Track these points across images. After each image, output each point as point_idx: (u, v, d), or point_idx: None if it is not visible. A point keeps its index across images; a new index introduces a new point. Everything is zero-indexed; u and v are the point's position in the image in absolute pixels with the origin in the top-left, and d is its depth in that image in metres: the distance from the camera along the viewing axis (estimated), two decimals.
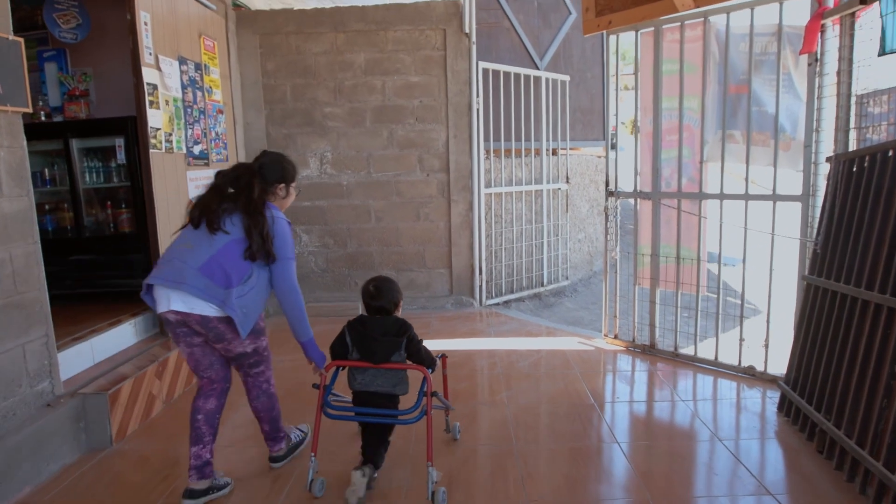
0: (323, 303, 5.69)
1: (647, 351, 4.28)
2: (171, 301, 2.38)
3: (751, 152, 3.58)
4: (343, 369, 2.69)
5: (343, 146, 5.56)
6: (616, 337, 4.51)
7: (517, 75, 5.83)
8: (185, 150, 4.31)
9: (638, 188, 4.19)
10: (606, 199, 4.41)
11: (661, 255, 4.14)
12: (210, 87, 4.77)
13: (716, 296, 3.88)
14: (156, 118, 3.89)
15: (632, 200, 4.28)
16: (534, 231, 6.17)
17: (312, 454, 2.55)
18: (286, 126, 5.55)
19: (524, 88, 5.88)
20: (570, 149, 6.64)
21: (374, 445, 2.56)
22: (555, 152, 6.50)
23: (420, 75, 5.46)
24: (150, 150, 3.84)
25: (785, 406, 3.20)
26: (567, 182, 6.54)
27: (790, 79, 3.46)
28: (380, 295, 2.59)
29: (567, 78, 6.42)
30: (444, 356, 2.97)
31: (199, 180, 4.52)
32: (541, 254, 6.29)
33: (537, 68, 6.41)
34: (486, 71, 5.55)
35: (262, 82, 5.49)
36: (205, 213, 2.46)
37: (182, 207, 4.27)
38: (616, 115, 4.42)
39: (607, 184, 4.45)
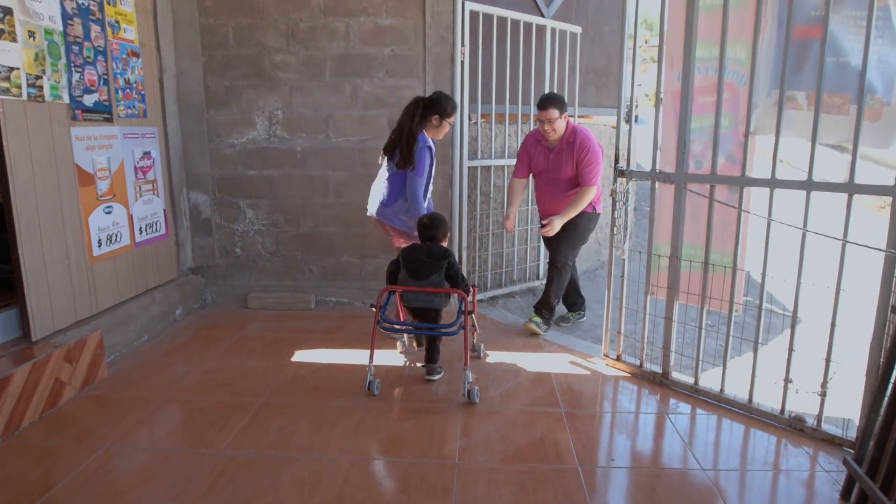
0: (270, 292, 4.75)
1: (658, 381, 3.29)
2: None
3: (821, 122, 2.51)
4: (395, 293, 3.33)
5: (297, 104, 4.55)
6: (619, 359, 3.52)
7: (515, 22, 4.74)
8: (67, 100, 3.32)
9: (657, 167, 3.15)
10: (615, 181, 3.37)
11: (684, 257, 3.11)
12: (117, 22, 3.76)
13: (756, 318, 2.86)
14: (9, 54, 2.90)
15: (648, 183, 3.24)
16: (529, 213, 5.15)
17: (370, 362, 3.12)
18: (228, 77, 4.54)
19: (524, 39, 4.79)
20: (580, 116, 5.55)
21: (430, 350, 3.35)
22: None
23: (393, 17, 4.40)
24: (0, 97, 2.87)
25: (854, 496, 2.20)
26: None
27: (887, 16, 2.37)
28: (433, 225, 3.25)
29: (579, 30, 5.30)
30: (474, 285, 3.53)
31: (94, 139, 3.55)
32: (538, 240, 5.27)
33: (542, 16, 5.29)
34: (474, 14, 4.47)
35: (198, 21, 4.47)
36: (388, 143, 3.75)
37: (64, 172, 3.31)
38: (633, 78, 3.36)
39: (616, 160, 3.40)
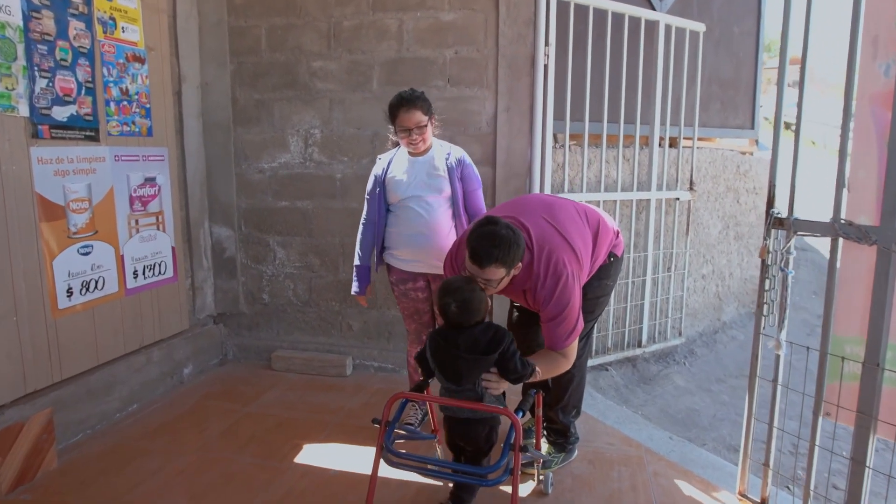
0: (300, 350, 3.87)
1: None
2: None
3: None
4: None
5: (338, 120, 3.68)
6: (764, 503, 2.30)
7: (618, 16, 3.67)
8: (24, 113, 2.60)
9: (842, 216, 1.97)
10: (767, 232, 2.19)
11: (890, 365, 1.89)
12: (112, 19, 3.04)
13: None
14: None
15: (824, 241, 2.05)
16: (632, 262, 3.99)
17: None
18: (259, 88, 3.75)
19: (629, 38, 3.70)
20: (699, 139, 4.36)
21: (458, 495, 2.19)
22: (673, 143, 4.26)
23: (457, 10, 3.45)
24: None
25: None
26: (691, 189, 4.27)
27: None
28: (467, 310, 2.01)
29: (702, 28, 4.14)
30: (538, 392, 2.31)
31: (68, 162, 2.81)
32: (641, 297, 4.09)
33: (653, 9, 4.17)
34: (563, 5, 3.44)
35: (227, 23, 3.72)
36: None
37: (16, 203, 2.58)
38: (804, 83, 2.20)
39: (770, 203, 2.22)
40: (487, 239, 2.00)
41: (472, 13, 3.43)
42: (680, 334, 4.36)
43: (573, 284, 2.15)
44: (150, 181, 3.34)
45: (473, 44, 3.45)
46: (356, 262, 2.89)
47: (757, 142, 5.40)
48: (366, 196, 2.87)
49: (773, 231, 2.18)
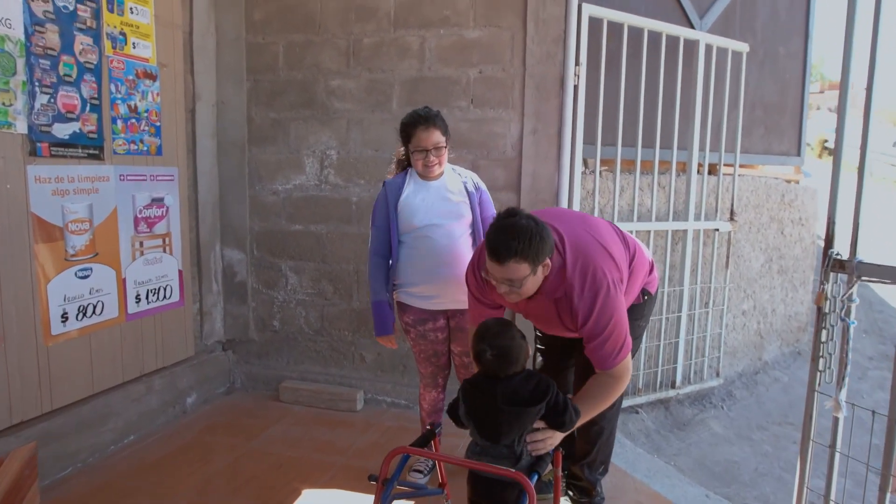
0: (309, 381, 3.67)
1: None
2: None
3: None
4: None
5: (355, 141, 3.51)
6: None
7: (655, 35, 3.44)
8: (23, 130, 2.48)
9: None
10: (825, 276, 1.92)
11: None
12: (122, 34, 2.93)
13: None
14: None
15: (890, 289, 1.78)
16: (667, 297, 3.71)
17: None
18: (275, 107, 3.61)
19: (666, 58, 3.47)
20: (741, 166, 4.08)
21: None
22: (713, 170, 3.98)
23: (482, 27, 3.27)
24: None
25: None
26: (731, 219, 3.98)
27: None
28: (505, 359, 1.77)
29: (745, 48, 3.88)
30: (558, 450, 1.91)
31: (68, 181, 2.69)
32: (675, 335, 3.80)
33: (692, 27, 3.93)
34: (596, 22, 3.23)
35: (245, 40, 3.60)
36: None
37: (11, 224, 2.46)
38: (843, 112, 1.94)
39: (829, 243, 1.94)
40: (506, 231, 1.78)
41: (498, 30, 3.24)
42: (718, 375, 4.04)
43: (616, 294, 1.89)
44: (157, 202, 3.20)
45: (499, 63, 3.26)
46: (374, 298, 2.54)
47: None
48: (373, 226, 2.55)
49: (831, 275, 1.90)
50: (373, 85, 3.43)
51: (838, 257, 1.89)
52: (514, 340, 1.79)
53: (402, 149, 2.55)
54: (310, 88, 3.53)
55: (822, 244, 2.00)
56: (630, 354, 1.96)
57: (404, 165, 2.59)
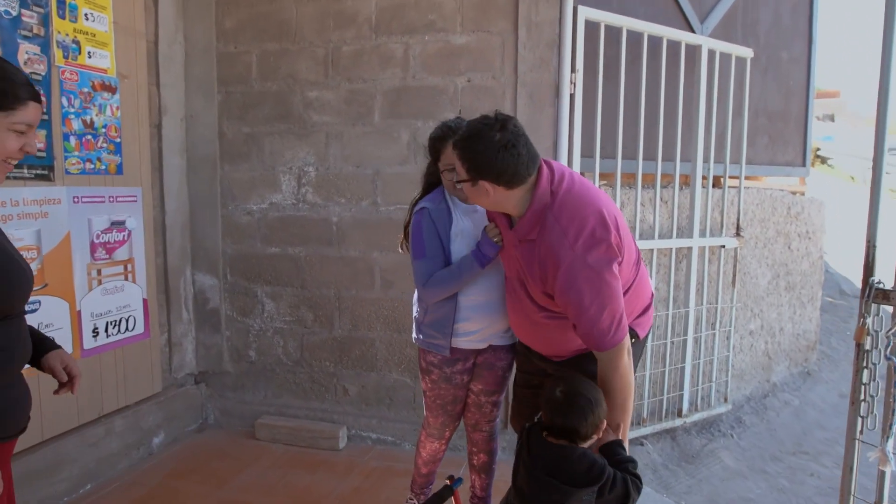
0: (288, 416, 3.39)
1: None
2: None
3: None
4: None
5: (335, 157, 3.25)
6: None
7: (655, 39, 3.22)
8: None
9: None
10: (866, 309, 1.67)
11: None
12: (76, 43, 2.67)
13: None
14: None
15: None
16: (671, 319, 3.46)
17: None
18: (248, 121, 3.35)
19: (667, 65, 3.24)
20: (746, 177, 3.85)
21: None
22: (717, 182, 3.76)
23: (470, 32, 3.03)
24: None
25: None
26: (738, 235, 3.75)
27: None
28: (571, 408, 1.58)
29: (749, 54, 3.67)
30: None
31: (11, 206, 2.41)
32: (681, 359, 3.55)
33: (692, 31, 3.71)
34: (592, 26, 3.00)
35: (215, 49, 3.34)
36: None
37: None
38: (883, 123, 1.68)
39: (869, 269, 1.69)
40: (470, 125, 1.75)
41: (487, 36, 3.00)
42: (726, 400, 3.79)
43: (613, 255, 1.66)
44: (117, 225, 2.93)
45: (489, 70, 3.02)
46: (469, 269, 2.01)
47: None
48: (422, 258, 2.06)
49: (873, 307, 1.66)
50: (353, 96, 3.18)
51: (881, 286, 1.65)
52: (593, 401, 1.59)
53: (431, 166, 2.18)
54: (285, 100, 3.27)
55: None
56: (628, 336, 1.71)
57: (431, 184, 2.21)
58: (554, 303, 1.76)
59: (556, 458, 1.56)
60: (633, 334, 1.91)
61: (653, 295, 2.04)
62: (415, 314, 2.24)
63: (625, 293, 1.80)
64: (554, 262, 1.65)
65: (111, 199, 2.89)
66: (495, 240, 1.94)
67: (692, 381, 3.60)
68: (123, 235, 2.97)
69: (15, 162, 1.34)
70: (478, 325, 2.11)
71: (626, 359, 1.69)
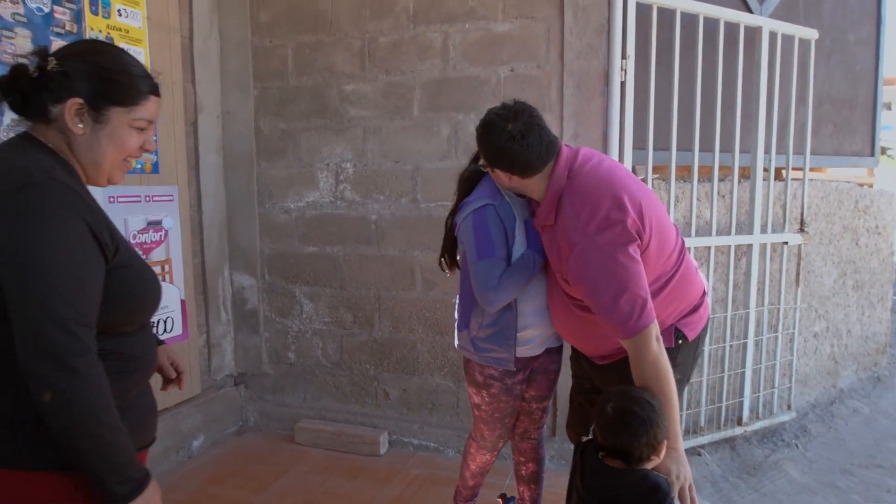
0: (328, 420, 3.30)
1: None
2: None
3: None
4: None
5: (373, 152, 3.15)
6: None
7: (711, 21, 3.00)
8: None
9: None
10: None
11: None
12: (110, 39, 2.62)
13: None
14: None
15: None
16: (729, 321, 3.24)
17: None
18: (284, 117, 3.27)
19: (724, 48, 3.02)
20: (810, 169, 3.59)
21: None
22: (779, 175, 3.51)
23: (513, 20, 2.87)
24: None
25: None
26: (801, 231, 3.50)
27: None
28: (623, 426, 1.45)
29: (813, 35, 3.40)
30: None
31: None
32: (741, 364, 3.33)
33: (750, 12, 3.46)
34: (643, 8, 2.81)
35: (251, 43, 3.27)
36: None
37: None
38: None
39: None
40: (489, 112, 1.78)
41: (531, 22, 2.84)
42: (789, 408, 3.54)
43: (628, 238, 1.58)
44: (154, 225, 2.88)
45: (533, 59, 2.86)
46: (531, 265, 1.85)
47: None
48: (487, 257, 1.84)
49: None
50: (391, 88, 3.07)
51: None
52: (647, 420, 1.45)
53: (478, 158, 1.95)
54: (322, 94, 3.18)
55: None
56: (653, 325, 1.58)
57: (473, 182, 1.99)
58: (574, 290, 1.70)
59: (611, 485, 1.41)
60: (681, 335, 1.79)
61: (705, 293, 1.88)
62: (461, 325, 2.04)
63: (662, 287, 1.71)
64: (567, 246, 1.62)
65: (147, 199, 2.84)
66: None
67: (753, 388, 3.37)
68: (160, 235, 2.92)
69: (134, 161, 1.26)
70: (538, 331, 1.96)
71: (655, 345, 1.58)
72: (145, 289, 1.25)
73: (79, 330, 1.03)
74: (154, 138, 2.80)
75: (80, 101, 1.13)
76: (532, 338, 1.95)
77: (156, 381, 1.38)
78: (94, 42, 1.43)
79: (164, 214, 2.94)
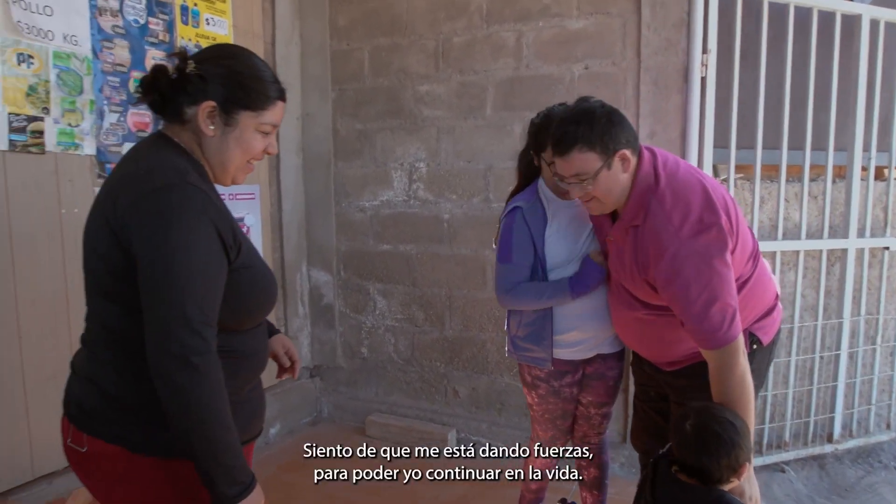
0: (399, 415, 3.36)
1: None
2: None
3: None
4: None
5: (446, 151, 3.17)
6: None
7: (803, 10, 2.82)
8: (91, 151, 2.36)
9: None
10: None
11: None
12: (198, 47, 2.78)
13: None
14: None
15: None
16: (819, 330, 3.04)
17: None
18: (360, 117, 3.36)
19: (817, 38, 2.83)
20: None
21: None
22: (880, 174, 3.25)
23: (588, 16, 2.82)
24: None
25: None
26: None
27: None
28: (704, 444, 1.37)
29: None
30: None
31: None
32: (833, 377, 3.11)
33: None
34: (726, 0, 2.68)
35: (329, 47, 3.38)
36: None
37: (78, 248, 2.33)
38: None
39: None
40: (568, 118, 1.57)
41: (606, 18, 2.77)
42: (888, 427, 3.28)
43: (724, 241, 1.51)
44: (237, 222, 3.03)
45: (609, 56, 2.79)
46: (551, 294, 1.88)
47: None
48: (508, 262, 1.89)
49: None
50: (464, 88, 3.08)
51: None
52: (729, 442, 1.38)
53: (526, 155, 2.01)
54: (396, 95, 3.24)
55: None
56: (741, 334, 1.52)
57: (529, 177, 2.01)
58: (658, 296, 1.60)
59: (682, 500, 1.36)
60: (756, 340, 1.70)
61: (777, 296, 1.79)
62: (507, 325, 2.08)
63: (739, 289, 1.61)
64: (657, 250, 1.52)
65: (231, 197, 2.99)
66: (598, 262, 1.81)
67: (846, 403, 3.15)
68: (244, 231, 3.06)
69: (255, 164, 1.31)
70: (584, 335, 1.93)
71: (743, 359, 1.50)
72: (264, 289, 1.28)
73: (203, 329, 1.07)
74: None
75: (213, 104, 1.17)
76: (579, 340, 1.91)
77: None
78: (230, 46, 1.50)
79: (246, 212, 3.09)
